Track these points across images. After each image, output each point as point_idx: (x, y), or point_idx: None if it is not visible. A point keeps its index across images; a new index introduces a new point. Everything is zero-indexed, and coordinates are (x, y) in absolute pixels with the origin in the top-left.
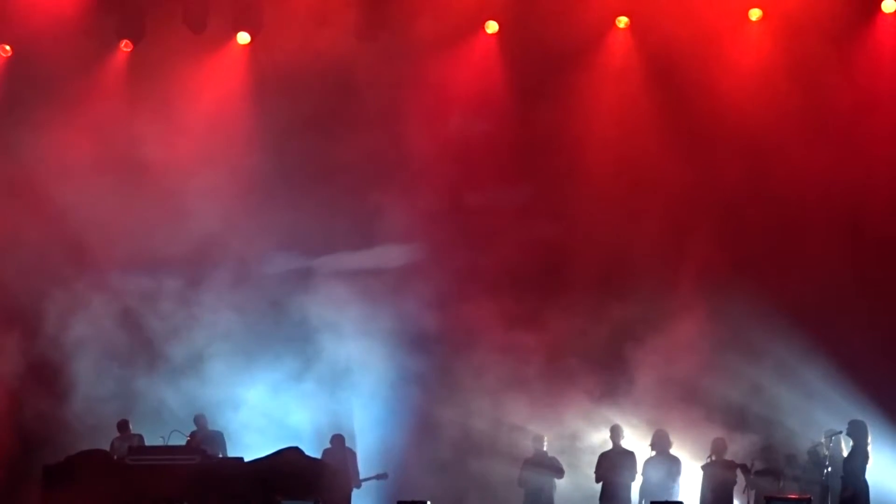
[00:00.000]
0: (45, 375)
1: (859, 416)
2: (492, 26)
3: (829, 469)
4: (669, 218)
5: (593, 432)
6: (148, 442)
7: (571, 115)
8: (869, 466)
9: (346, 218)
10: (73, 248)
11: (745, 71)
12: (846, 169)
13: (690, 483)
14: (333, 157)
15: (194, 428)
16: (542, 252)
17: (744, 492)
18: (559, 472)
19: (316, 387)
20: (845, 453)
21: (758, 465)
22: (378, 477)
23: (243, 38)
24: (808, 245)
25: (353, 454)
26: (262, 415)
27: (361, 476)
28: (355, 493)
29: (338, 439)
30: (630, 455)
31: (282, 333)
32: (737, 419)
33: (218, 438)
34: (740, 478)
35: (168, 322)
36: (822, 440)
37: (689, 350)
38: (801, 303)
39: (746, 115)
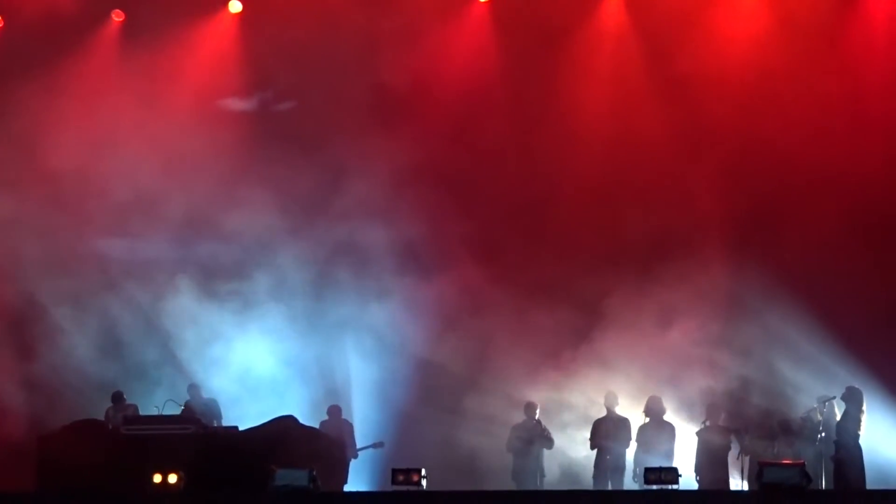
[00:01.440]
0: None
1: (854, 383)
2: None
3: (823, 434)
4: (664, 187)
5: (585, 399)
6: (143, 412)
7: (564, 86)
8: (862, 433)
9: (340, 184)
10: (68, 215)
11: (738, 39)
12: (841, 131)
13: (685, 449)
14: (324, 127)
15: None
16: (531, 219)
17: (738, 457)
18: (548, 442)
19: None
20: (838, 418)
21: (752, 431)
22: (375, 446)
23: (235, 6)
24: (805, 210)
25: (350, 425)
26: (258, 382)
27: (358, 445)
28: (352, 463)
29: (335, 410)
30: (624, 421)
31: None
32: (731, 384)
33: (213, 406)
34: (735, 443)
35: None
36: (816, 405)
37: (683, 315)
38: (796, 269)
39: (740, 83)
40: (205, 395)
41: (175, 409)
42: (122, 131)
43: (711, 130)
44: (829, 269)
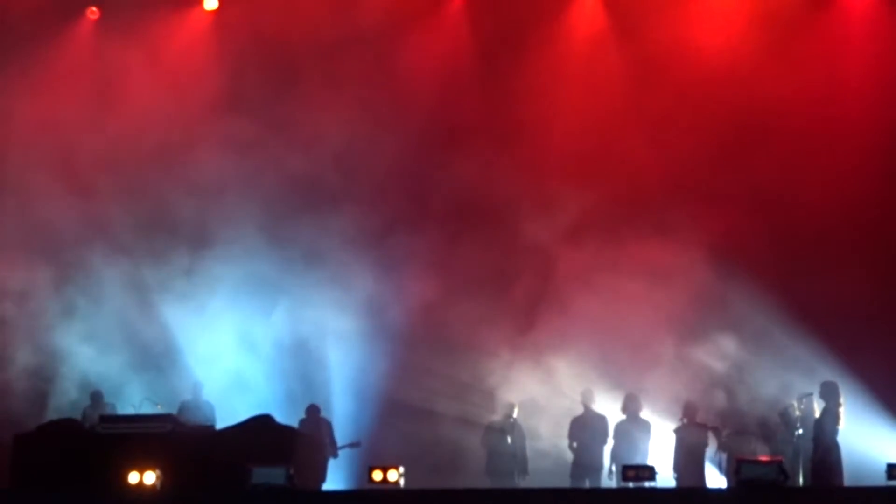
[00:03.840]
0: None
1: (831, 378)
2: None
3: (801, 431)
4: (639, 178)
5: (561, 396)
6: (120, 411)
7: (540, 79)
8: (841, 428)
9: (318, 177)
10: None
11: (716, 30)
12: (825, 118)
13: (662, 446)
14: (300, 121)
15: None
16: (505, 213)
17: (716, 454)
18: (522, 440)
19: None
20: (817, 415)
21: (729, 428)
22: (352, 445)
23: (210, 4)
24: (784, 202)
25: (329, 424)
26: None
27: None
28: (331, 462)
29: (313, 410)
30: (602, 419)
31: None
32: (708, 381)
33: (207, 409)
34: (712, 440)
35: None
36: (794, 402)
37: (661, 313)
38: (774, 266)
39: (719, 76)
40: (204, 397)
41: (152, 408)
42: (93, 125)
43: (689, 121)
44: (807, 262)
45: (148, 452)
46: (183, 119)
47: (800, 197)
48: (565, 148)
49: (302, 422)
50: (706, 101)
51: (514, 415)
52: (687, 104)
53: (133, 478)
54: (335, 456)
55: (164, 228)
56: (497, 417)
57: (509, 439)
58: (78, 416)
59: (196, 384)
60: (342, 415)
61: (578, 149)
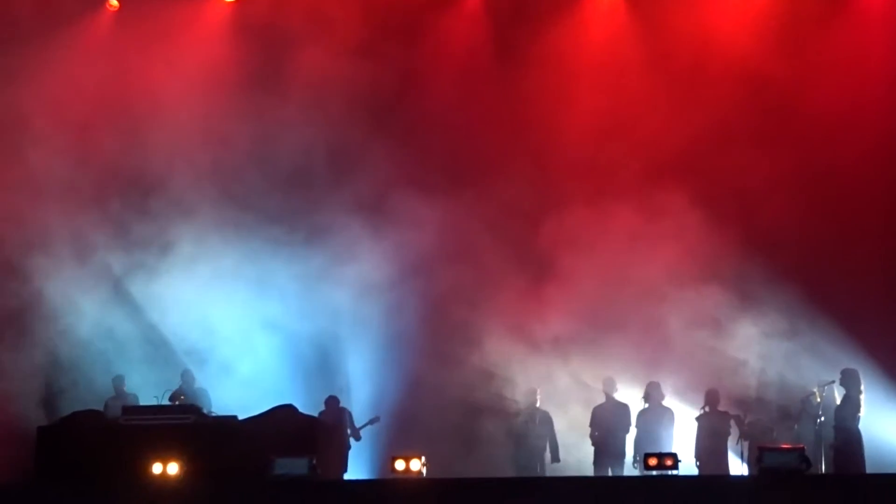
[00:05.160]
0: None
1: (853, 366)
2: None
3: (822, 419)
4: (654, 161)
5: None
6: (142, 402)
7: (557, 61)
8: (862, 415)
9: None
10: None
11: (736, 17)
12: (839, 99)
13: (684, 434)
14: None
15: (180, 382)
16: (527, 196)
17: (737, 442)
18: (549, 426)
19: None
20: (838, 402)
21: (751, 416)
22: (371, 422)
23: None
24: (806, 185)
25: (349, 413)
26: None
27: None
28: (352, 450)
29: (332, 401)
30: (624, 407)
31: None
32: (730, 370)
33: (202, 395)
34: (734, 428)
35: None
36: (815, 390)
37: (683, 302)
38: (794, 251)
39: (736, 56)
40: (196, 384)
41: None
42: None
43: (706, 104)
44: (829, 253)
45: (171, 444)
46: (200, 109)
47: (821, 182)
48: (579, 140)
49: (322, 413)
50: (725, 85)
51: (538, 401)
52: (706, 90)
53: (156, 469)
54: (358, 438)
55: (179, 219)
56: (521, 405)
57: (535, 427)
58: (100, 407)
59: (185, 372)
60: (360, 401)
61: (595, 139)
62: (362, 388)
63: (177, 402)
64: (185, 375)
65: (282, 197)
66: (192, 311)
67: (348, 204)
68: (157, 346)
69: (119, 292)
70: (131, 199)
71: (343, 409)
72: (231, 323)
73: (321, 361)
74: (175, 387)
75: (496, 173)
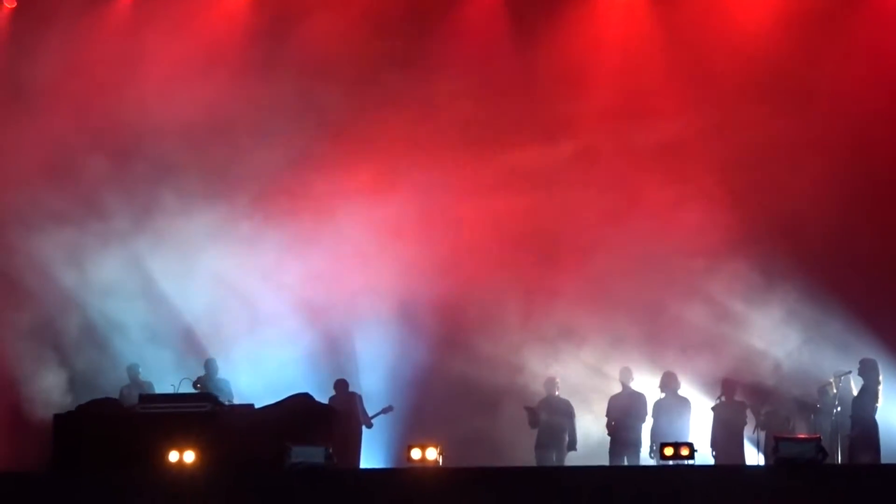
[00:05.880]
0: None
1: (870, 356)
2: None
3: (839, 409)
4: (674, 149)
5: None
6: (158, 390)
7: (576, 45)
8: (879, 406)
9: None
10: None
11: (754, 7)
12: (854, 90)
13: (701, 423)
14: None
15: (203, 373)
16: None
17: (753, 432)
18: (570, 417)
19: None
20: (855, 393)
21: (768, 405)
22: (384, 411)
23: None
24: (829, 176)
25: (359, 397)
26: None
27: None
28: (366, 435)
29: (341, 384)
30: (640, 397)
31: None
32: (747, 360)
33: (224, 386)
34: (750, 418)
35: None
36: (832, 380)
37: (700, 293)
38: (812, 242)
39: (755, 44)
40: (218, 375)
41: (190, 388)
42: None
43: (726, 92)
44: (847, 243)
45: (187, 432)
46: (215, 98)
47: (844, 172)
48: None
49: (332, 398)
50: (743, 74)
51: (557, 389)
52: (723, 80)
53: (172, 457)
54: (369, 426)
55: (188, 208)
56: (541, 397)
57: (555, 414)
58: (115, 395)
59: (209, 361)
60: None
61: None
62: (373, 375)
63: (198, 387)
64: (209, 365)
65: (290, 176)
66: (208, 298)
67: (357, 185)
68: (174, 334)
69: (142, 277)
70: (157, 193)
71: (353, 394)
72: (246, 310)
73: (331, 349)
74: (198, 374)
75: (510, 155)
